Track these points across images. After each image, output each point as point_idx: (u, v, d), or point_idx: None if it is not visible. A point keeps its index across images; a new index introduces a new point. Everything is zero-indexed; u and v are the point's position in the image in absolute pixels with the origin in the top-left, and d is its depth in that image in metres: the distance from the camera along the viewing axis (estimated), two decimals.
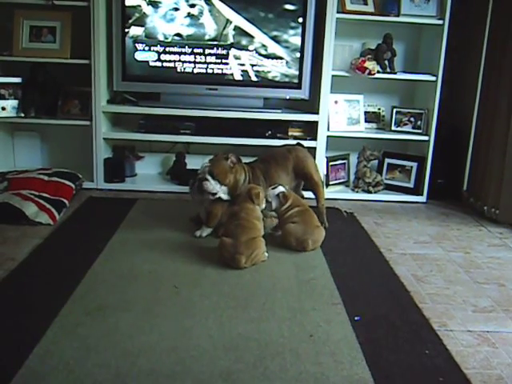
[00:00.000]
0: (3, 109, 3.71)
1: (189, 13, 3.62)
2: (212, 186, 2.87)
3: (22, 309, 2.10)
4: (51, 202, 3.20)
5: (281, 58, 3.70)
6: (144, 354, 1.81)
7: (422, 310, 2.25)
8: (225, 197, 2.93)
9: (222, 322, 2.05)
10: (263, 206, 2.81)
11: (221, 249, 2.59)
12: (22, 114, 3.74)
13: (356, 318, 2.13)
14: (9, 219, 3.02)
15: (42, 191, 3.26)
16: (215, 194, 2.89)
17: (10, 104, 3.73)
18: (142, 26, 3.63)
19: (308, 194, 3.28)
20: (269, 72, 3.73)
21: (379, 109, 4.09)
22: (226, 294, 2.28)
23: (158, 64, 3.70)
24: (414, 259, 2.83)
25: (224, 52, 3.68)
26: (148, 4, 3.59)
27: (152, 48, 3.67)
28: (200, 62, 3.70)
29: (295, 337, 1.97)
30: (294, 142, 3.43)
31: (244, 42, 3.67)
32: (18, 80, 3.74)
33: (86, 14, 3.53)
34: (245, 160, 3.19)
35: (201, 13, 3.63)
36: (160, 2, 3.60)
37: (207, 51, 3.68)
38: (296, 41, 3.67)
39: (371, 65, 3.68)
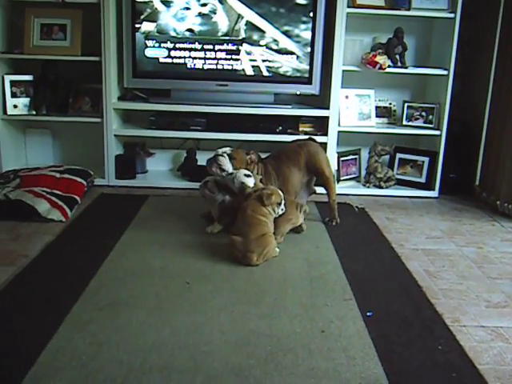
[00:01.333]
0: (15, 106, 3.74)
1: (200, 8, 3.62)
2: (226, 164, 2.92)
3: (34, 305, 2.11)
4: (63, 198, 3.21)
5: (291, 53, 3.69)
6: (156, 350, 1.81)
7: (434, 305, 2.23)
8: (234, 188, 2.89)
9: (234, 317, 2.05)
10: (278, 210, 2.74)
11: (232, 247, 2.59)
12: (34, 112, 3.77)
13: (368, 314, 2.12)
14: (21, 216, 3.04)
15: (54, 188, 3.28)
16: (224, 171, 2.92)
17: (22, 102, 3.76)
18: (154, 21, 3.63)
19: (320, 190, 3.27)
20: (279, 67, 3.72)
21: (390, 103, 4.07)
22: (238, 290, 2.28)
23: (169, 60, 3.70)
24: (426, 254, 2.81)
25: (234, 48, 3.68)
26: (160, 1, 3.59)
27: (162, 44, 3.67)
28: (210, 58, 3.69)
29: (307, 332, 1.96)
30: (306, 136, 3.43)
31: (255, 37, 3.66)
32: (29, 78, 3.77)
33: (97, 11, 3.54)
34: None
35: (213, 8, 3.62)
36: (172, 2, 3.60)
37: (218, 47, 3.67)
38: (306, 35, 3.65)
39: (382, 59, 3.65)
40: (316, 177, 3.19)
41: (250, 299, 2.20)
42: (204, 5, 3.61)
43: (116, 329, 1.94)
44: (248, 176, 2.88)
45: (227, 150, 2.98)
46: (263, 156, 3.21)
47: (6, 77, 3.70)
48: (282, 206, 2.76)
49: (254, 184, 2.87)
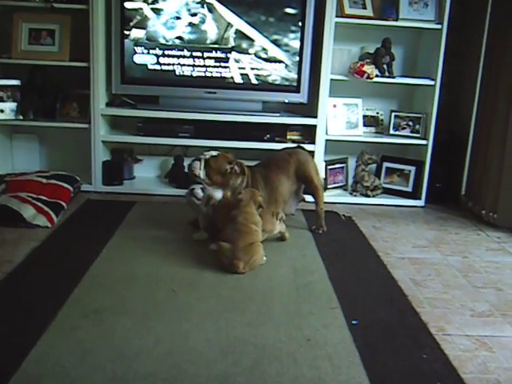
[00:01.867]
0: (2, 111, 3.71)
1: (190, 16, 3.63)
2: (198, 169, 2.91)
3: (18, 311, 2.09)
4: (49, 204, 3.19)
5: (280, 62, 3.71)
6: (140, 358, 1.80)
7: (419, 314, 2.24)
8: (216, 195, 2.91)
9: (220, 325, 2.04)
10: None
11: (219, 254, 2.58)
12: (21, 117, 3.74)
13: (353, 322, 2.12)
14: (7, 221, 3.01)
15: (40, 194, 3.26)
16: (198, 177, 2.93)
17: (9, 106, 3.73)
18: (143, 28, 3.63)
19: (307, 198, 3.28)
20: (268, 76, 3.73)
21: (378, 113, 4.10)
22: (224, 298, 2.28)
23: (157, 67, 3.70)
24: (412, 263, 2.83)
25: (223, 55, 3.69)
26: (149, 7, 3.60)
27: (151, 51, 3.67)
28: (199, 66, 3.70)
29: (293, 341, 1.96)
30: (295, 144, 3.44)
31: (244, 45, 3.67)
32: (16, 82, 3.75)
33: (85, 16, 3.54)
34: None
35: (202, 17, 3.63)
36: (162, 10, 3.60)
37: (206, 54, 3.68)
38: (295, 44, 3.67)
39: (370, 69, 3.68)
40: (305, 185, 3.20)
41: (236, 307, 2.20)
42: (194, 14, 3.62)
43: (101, 336, 1.93)
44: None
45: (209, 154, 2.96)
46: (252, 163, 3.21)
47: None
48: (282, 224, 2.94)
49: (222, 196, 2.89)
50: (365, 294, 2.40)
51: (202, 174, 2.91)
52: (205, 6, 3.61)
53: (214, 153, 2.98)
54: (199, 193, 2.93)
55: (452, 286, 2.56)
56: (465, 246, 3.14)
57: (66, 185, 3.45)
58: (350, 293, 2.40)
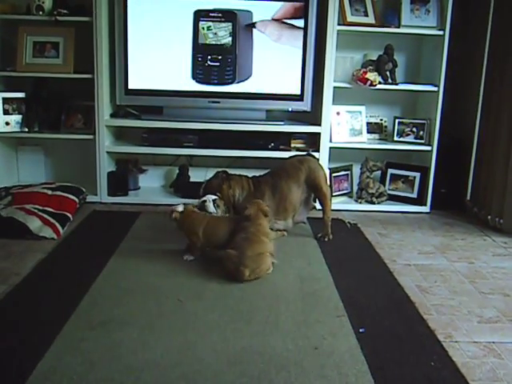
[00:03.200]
0: (7, 124, 3.74)
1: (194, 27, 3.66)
2: (211, 207, 2.97)
3: (26, 324, 2.09)
4: (55, 216, 3.20)
5: (283, 70, 3.71)
6: (148, 369, 1.80)
7: (426, 321, 2.24)
8: (217, 210, 2.98)
9: (226, 335, 2.04)
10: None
11: (225, 260, 2.59)
12: (26, 129, 3.76)
13: (361, 330, 2.12)
14: (13, 234, 3.03)
15: (46, 205, 3.27)
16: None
17: (14, 119, 3.76)
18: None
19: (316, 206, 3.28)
20: (271, 84, 3.74)
21: (381, 119, 4.11)
22: (230, 308, 2.28)
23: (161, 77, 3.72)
24: (418, 270, 2.82)
25: (227, 64, 3.70)
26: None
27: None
28: (202, 74, 3.72)
29: (300, 350, 1.96)
30: (302, 152, 3.45)
31: (247, 54, 3.68)
32: (21, 95, 3.78)
33: (89, 29, 3.56)
34: (249, 172, 3.22)
35: (207, 28, 3.65)
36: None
37: (210, 63, 3.69)
38: (298, 53, 3.68)
39: (373, 76, 3.69)
40: (313, 193, 3.19)
41: (242, 317, 2.20)
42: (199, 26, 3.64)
43: (108, 347, 1.93)
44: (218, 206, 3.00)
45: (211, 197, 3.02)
46: (257, 172, 3.22)
47: None
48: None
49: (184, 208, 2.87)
50: (371, 302, 2.40)
51: (214, 209, 2.97)
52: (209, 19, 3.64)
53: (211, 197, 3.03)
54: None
55: (459, 293, 2.55)
56: (471, 252, 3.13)
57: (71, 196, 3.47)
58: (356, 300, 2.40)
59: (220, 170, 3.21)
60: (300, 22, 3.64)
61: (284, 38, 3.67)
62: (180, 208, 2.81)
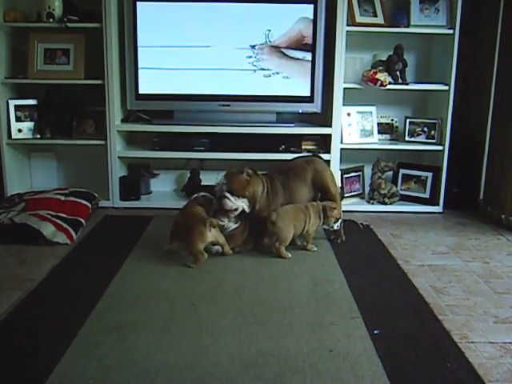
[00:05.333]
0: (19, 131, 3.77)
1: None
2: (232, 202, 2.88)
3: (41, 329, 2.10)
4: (68, 221, 3.22)
5: (292, 72, 3.71)
6: (163, 373, 1.80)
7: (442, 322, 2.22)
8: (247, 209, 2.94)
9: (241, 338, 2.04)
10: (333, 225, 3.03)
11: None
12: (38, 136, 3.80)
13: (375, 332, 2.11)
14: (27, 240, 3.05)
15: (59, 211, 3.29)
16: (236, 209, 2.90)
17: (26, 126, 3.79)
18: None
19: None
20: (281, 86, 3.73)
21: (392, 120, 4.09)
22: (244, 311, 2.28)
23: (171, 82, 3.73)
24: (432, 270, 2.80)
25: (236, 67, 3.71)
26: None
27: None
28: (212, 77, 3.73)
29: (315, 352, 1.95)
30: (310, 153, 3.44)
31: (256, 56, 3.69)
32: (33, 102, 3.81)
33: (99, 35, 3.59)
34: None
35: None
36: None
37: (220, 65, 3.71)
38: (307, 54, 3.68)
39: (383, 76, 3.68)
40: (321, 194, 3.18)
41: (256, 319, 2.20)
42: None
43: (123, 352, 1.93)
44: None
45: (223, 187, 2.91)
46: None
47: (10, 101, 3.74)
48: (338, 223, 3.05)
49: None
50: (386, 303, 2.39)
51: (237, 202, 2.90)
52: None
53: (221, 177, 2.99)
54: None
55: (474, 293, 2.54)
56: (485, 252, 3.11)
57: (84, 201, 3.49)
58: (370, 302, 2.39)
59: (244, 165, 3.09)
60: (308, 27, 3.63)
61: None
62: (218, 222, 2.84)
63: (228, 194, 2.88)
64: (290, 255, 2.90)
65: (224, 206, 2.88)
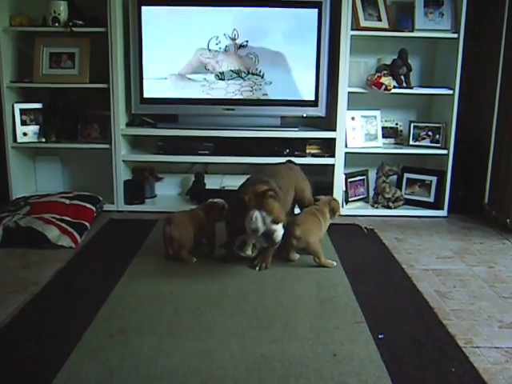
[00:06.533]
0: (25, 134, 3.79)
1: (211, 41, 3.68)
2: (281, 231, 2.59)
3: (46, 332, 2.11)
4: (73, 225, 3.23)
5: (297, 76, 3.72)
6: (167, 377, 1.80)
7: (446, 326, 2.21)
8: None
9: (245, 342, 2.04)
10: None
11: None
12: (43, 139, 3.81)
13: (380, 336, 2.11)
14: (31, 243, 3.06)
15: (64, 214, 3.30)
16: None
17: (32, 129, 3.81)
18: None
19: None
20: (285, 90, 3.74)
21: (396, 124, 4.09)
22: (248, 315, 2.27)
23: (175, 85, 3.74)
24: (436, 275, 2.80)
25: (241, 72, 3.71)
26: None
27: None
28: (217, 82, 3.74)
29: (319, 356, 1.95)
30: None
31: (261, 60, 3.70)
32: (38, 106, 3.83)
33: (104, 39, 3.60)
34: None
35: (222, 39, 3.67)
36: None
37: (225, 70, 3.72)
38: (312, 59, 3.68)
39: (387, 80, 3.68)
40: (298, 202, 3.12)
41: (260, 323, 2.20)
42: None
43: (127, 355, 1.94)
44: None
45: (267, 220, 2.51)
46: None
47: (15, 105, 3.75)
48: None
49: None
50: (390, 308, 2.38)
51: (282, 230, 2.59)
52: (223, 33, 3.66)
53: (255, 213, 2.51)
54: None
55: (479, 297, 2.53)
56: (490, 256, 3.10)
57: (88, 205, 3.50)
58: (374, 306, 2.38)
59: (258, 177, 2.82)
60: (313, 28, 3.64)
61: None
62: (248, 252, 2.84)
63: (276, 226, 2.54)
64: (335, 263, 2.85)
65: (277, 241, 2.57)
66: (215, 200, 2.98)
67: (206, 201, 3.03)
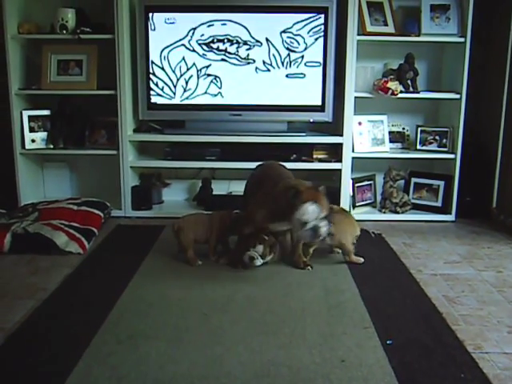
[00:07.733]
0: (33, 141, 3.81)
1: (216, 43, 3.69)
2: (326, 227, 2.58)
3: (53, 339, 2.11)
4: (81, 231, 3.24)
5: (303, 82, 3.72)
6: (175, 383, 1.80)
7: (455, 332, 2.20)
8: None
9: (253, 348, 2.04)
10: None
11: None
12: (51, 146, 3.84)
13: (388, 342, 2.10)
14: (40, 249, 3.07)
15: (72, 221, 3.31)
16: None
17: (40, 136, 3.83)
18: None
19: None
20: (292, 96, 3.74)
21: (403, 128, 4.08)
22: (256, 320, 2.27)
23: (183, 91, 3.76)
24: (444, 280, 2.79)
25: (248, 77, 3.72)
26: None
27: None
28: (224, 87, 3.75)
29: (327, 362, 1.95)
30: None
31: (267, 65, 3.70)
32: (46, 112, 3.85)
33: (111, 46, 3.62)
34: None
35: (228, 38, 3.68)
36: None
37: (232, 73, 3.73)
38: (318, 64, 3.69)
39: (394, 85, 3.68)
40: None
41: (268, 329, 2.19)
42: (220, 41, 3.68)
43: (135, 361, 1.94)
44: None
45: (320, 216, 2.54)
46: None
47: (24, 112, 3.78)
48: None
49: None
50: (398, 313, 2.37)
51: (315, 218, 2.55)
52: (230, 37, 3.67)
53: (312, 206, 2.52)
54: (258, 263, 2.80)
55: (487, 302, 2.51)
56: (498, 261, 3.08)
57: (96, 211, 3.51)
58: (382, 312, 2.38)
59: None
60: (320, 33, 3.65)
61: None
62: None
63: (323, 222, 2.56)
64: (362, 260, 2.97)
65: (322, 236, 2.59)
66: (235, 211, 3.02)
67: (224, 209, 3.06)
